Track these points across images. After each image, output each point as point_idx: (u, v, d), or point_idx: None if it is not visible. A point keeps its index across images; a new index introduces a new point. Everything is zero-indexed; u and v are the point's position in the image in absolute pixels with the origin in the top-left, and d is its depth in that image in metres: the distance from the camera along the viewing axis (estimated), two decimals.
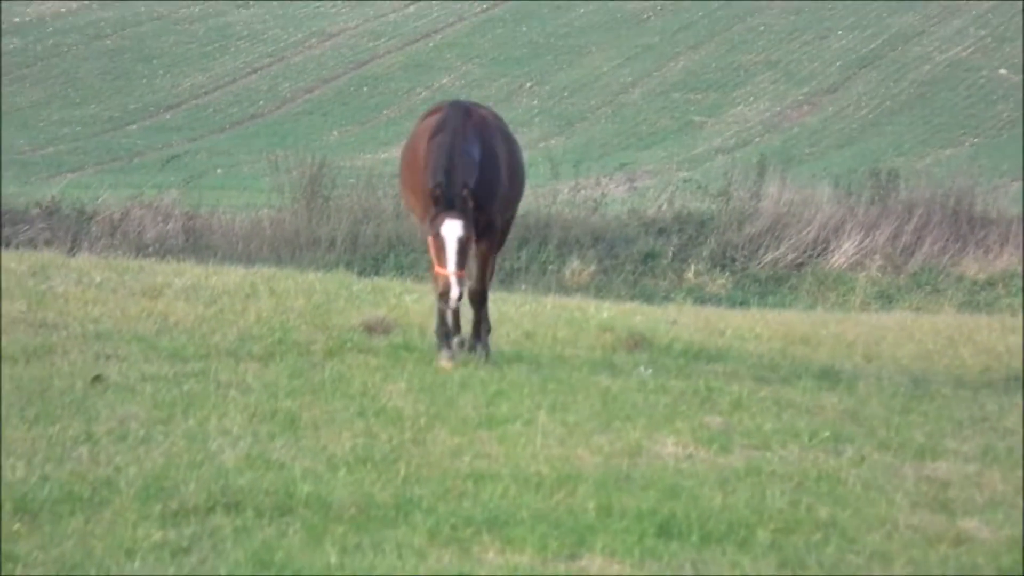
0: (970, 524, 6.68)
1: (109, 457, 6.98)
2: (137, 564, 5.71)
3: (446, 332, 9.69)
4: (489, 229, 9.50)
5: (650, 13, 56.06)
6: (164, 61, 52.41)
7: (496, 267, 10.03)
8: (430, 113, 9.84)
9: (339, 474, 6.89)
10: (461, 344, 9.82)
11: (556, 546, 6.07)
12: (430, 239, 9.20)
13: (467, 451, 7.45)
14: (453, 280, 9.11)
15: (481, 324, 9.87)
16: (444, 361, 9.51)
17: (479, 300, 9.79)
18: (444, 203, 9.14)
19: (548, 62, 52.51)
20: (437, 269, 9.19)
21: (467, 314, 10.08)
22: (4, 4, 54.87)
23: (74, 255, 18.98)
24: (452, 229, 9.10)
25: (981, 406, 9.77)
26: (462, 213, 9.13)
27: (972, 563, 6.21)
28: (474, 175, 9.26)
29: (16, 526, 6.03)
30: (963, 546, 6.42)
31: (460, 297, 9.19)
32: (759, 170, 29.91)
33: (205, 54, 53.07)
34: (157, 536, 6.00)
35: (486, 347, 9.87)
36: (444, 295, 9.17)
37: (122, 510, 6.27)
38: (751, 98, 49.52)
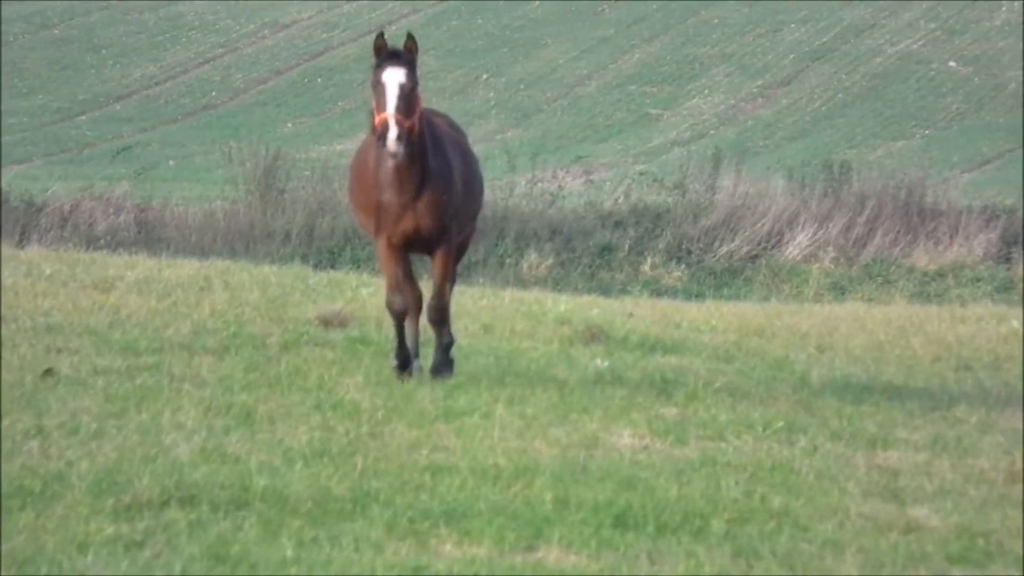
0: (920, 512, 6.76)
1: (60, 451, 6.93)
2: (90, 559, 5.67)
3: (405, 357, 9.18)
4: (444, 237, 9.04)
5: (605, 6, 56.18)
6: (113, 51, 51.87)
7: (453, 284, 9.32)
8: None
9: (295, 468, 6.87)
10: (419, 369, 9.29)
11: (513, 538, 6.09)
12: (372, 90, 8.75)
13: (425, 444, 7.44)
14: (392, 121, 8.63)
15: (442, 354, 9.20)
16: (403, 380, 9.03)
17: (439, 317, 9.11)
18: (387, 53, 8.85)
19: (504, 54, 52.49)
20: (377, 117, 8.71)
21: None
22: None
23: (23, 247, 18.77)
24: (394, 75, 8.77)
25: (931, 396, 9.89)
26: (406, 63, 8.86)
27: (922, 551, 6.29)
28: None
29: None
30: (913, 534, 6.50)
31: (399, 139, 8.65)
32: (714, 163, 30.08)
33: (156, 44, 52.57)
34: (110, 530, 5.96)
35: (448, 367, 9.24)
36: (382, 138, 8.63)
37: (74, 504, 6.22)
38: (706, 91, 49.76)
